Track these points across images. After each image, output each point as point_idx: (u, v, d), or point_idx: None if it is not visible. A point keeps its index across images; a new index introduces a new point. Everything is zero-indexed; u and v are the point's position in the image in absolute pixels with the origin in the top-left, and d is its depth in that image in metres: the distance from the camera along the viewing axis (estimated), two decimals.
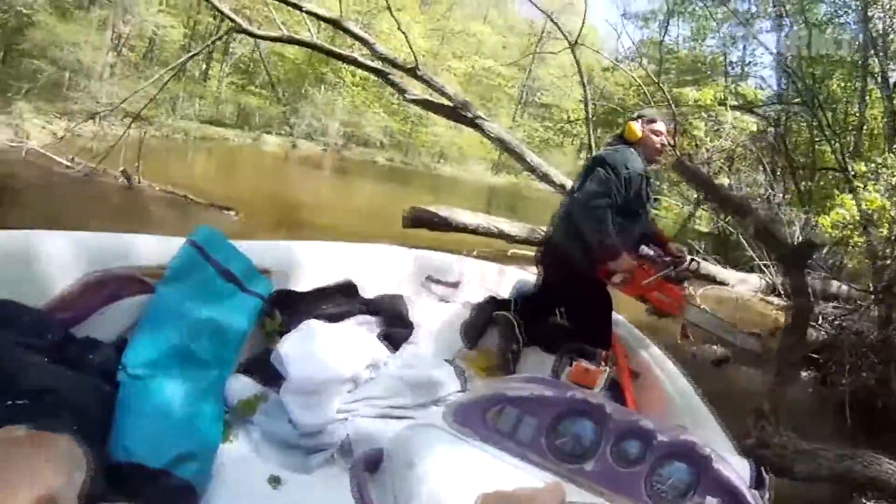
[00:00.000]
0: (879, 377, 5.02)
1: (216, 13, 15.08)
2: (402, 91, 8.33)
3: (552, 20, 9.96)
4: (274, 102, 24.84)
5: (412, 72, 7.82)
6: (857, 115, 15.31)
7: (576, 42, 8.33)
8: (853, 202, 9.62)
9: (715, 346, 5.88)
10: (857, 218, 9.08)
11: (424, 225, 7.37)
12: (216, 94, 24.18)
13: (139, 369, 1.78)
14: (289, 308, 2.35)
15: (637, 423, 1.45)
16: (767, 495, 1.49)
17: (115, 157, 8.35)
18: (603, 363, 2.65)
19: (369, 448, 1.52)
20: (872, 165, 10.62)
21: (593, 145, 9.17)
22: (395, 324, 2.58)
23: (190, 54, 12.11)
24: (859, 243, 8.48)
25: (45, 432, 0.93)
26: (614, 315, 2.97)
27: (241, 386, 2.00)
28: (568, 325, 3.02)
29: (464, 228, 7.53)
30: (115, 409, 1.66)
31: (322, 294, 2.52)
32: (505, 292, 3.23)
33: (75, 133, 10.34)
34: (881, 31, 13.30)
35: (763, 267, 8.47)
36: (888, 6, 13.01)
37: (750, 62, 20.38)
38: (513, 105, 31.68)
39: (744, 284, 8.85)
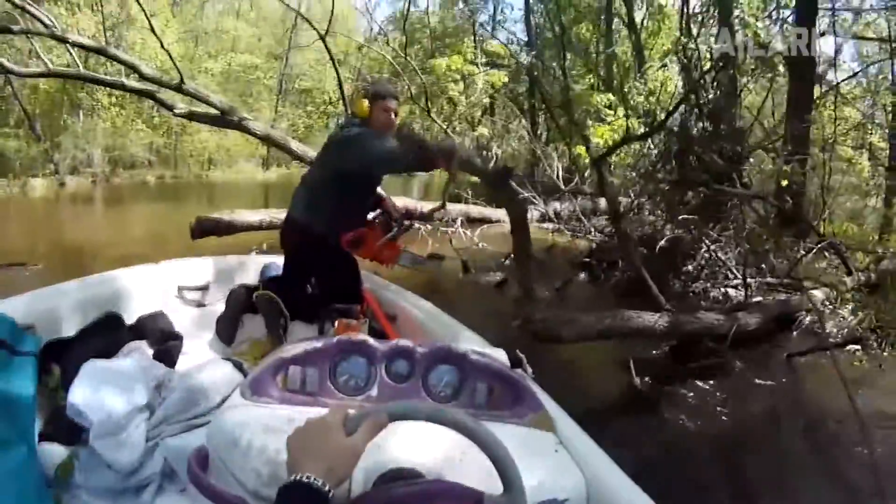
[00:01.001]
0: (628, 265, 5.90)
1: None
2: (169, 108, 8.43)
3: (302, 16, 10.18)
4: (34, 141, 22.41)
5: (178, 87, 7.94)
6: (605, 54, 16.77)
7: (326, 33, 8.66)
8: (604, 128, 10.96)
9: (497, 274, 6.53)
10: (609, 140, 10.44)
11: (213, 232, 7.33)
12: None
13: None
14: (61, 357, 2.25)
15: (398, 346, 1.64)
16: (529, 370, 1.75)
17: None
18: (361, 316, 2.85)
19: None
20: (619, 95, 12.12)
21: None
22: (163, 341, 2.57)
23: None
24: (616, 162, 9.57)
25: None
26: (368, 274, 3.27)
27: (50, 453, 1.85)
28: (321, 292, 3.18)
29: (249, 227, 7.59)
30: None
31: (89, 333, 2.45)
32: (252, 280, 3.37)
33: None
34: None
35: (532, 200, 9.33)
36: None
37: (500, 20, 21.93)
38: (273, 96, 31.22)
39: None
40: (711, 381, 4.01)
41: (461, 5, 18.52)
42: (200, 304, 3.35)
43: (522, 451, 1.05)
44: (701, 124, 6.90)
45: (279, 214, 8.02)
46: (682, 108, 6.82)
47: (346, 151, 2.88)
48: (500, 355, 1.73)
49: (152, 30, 9.63)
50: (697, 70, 7.94)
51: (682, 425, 3.52)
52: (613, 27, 17.14)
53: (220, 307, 3.22)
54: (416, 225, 7.62)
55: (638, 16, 15.94)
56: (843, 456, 3.25)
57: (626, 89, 11.63)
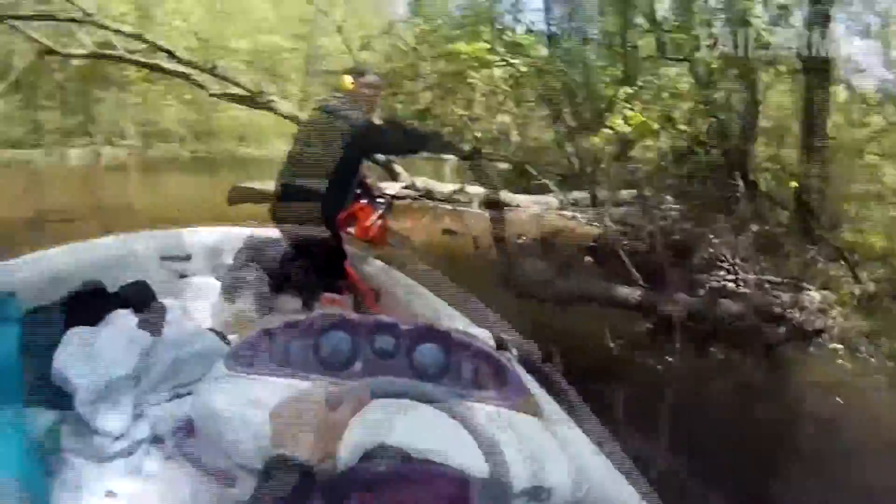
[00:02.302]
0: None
1: None
2: (203, 87, 9.12)
3: (320, 10, 10.65)
4: (68, 114, 23.43)
5: (210, 70, 8.56)
6: (627, 46, 17.04)
7: (340, 27, 9.07)
8: (618, 119, 11.24)
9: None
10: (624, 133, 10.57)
11: (247, 200, 7.75)
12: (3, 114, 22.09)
13: None
14: (44, 325, 2.19)
15: (381, 321, 1.62)
16: (513, 353, 1.73)
17: None
18: (346, 291, 2.92)
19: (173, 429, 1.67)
20: (636, 89, 12.34)
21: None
22: (147, 310, 2.56)
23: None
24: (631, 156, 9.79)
25: None
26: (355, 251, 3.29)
27: (37, 420, 1.85)
28: (308, 266, 3.15)
29: None
30: None
31: (72, 300, 2.44)
32: (233, 249, 3.37)
33: None
34: None
35: (551, 188, 9.70)
36: None
37: (520, 9, 22.05)
38: (300, 76, 31.49)
39: (538, 205, 10.13)
40: (678, 358, 4.31)
41: None
42: (183, 275, 3.34)
43: (507, 435, 1.06)
44: (711, 122, 7.12)
45: None
46: (693, 105, 7.06)
47: (345, 131, 3.04)
48: (485, 336, 1.72)
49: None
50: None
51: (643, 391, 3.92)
52: (637, 21, 17.22)
53: (204, 278, 3.28)
54: (433, 204, 8.64)
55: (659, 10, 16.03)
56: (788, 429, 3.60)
57: (640, 84, 11.82)
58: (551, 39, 18.46)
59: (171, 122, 26.64)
